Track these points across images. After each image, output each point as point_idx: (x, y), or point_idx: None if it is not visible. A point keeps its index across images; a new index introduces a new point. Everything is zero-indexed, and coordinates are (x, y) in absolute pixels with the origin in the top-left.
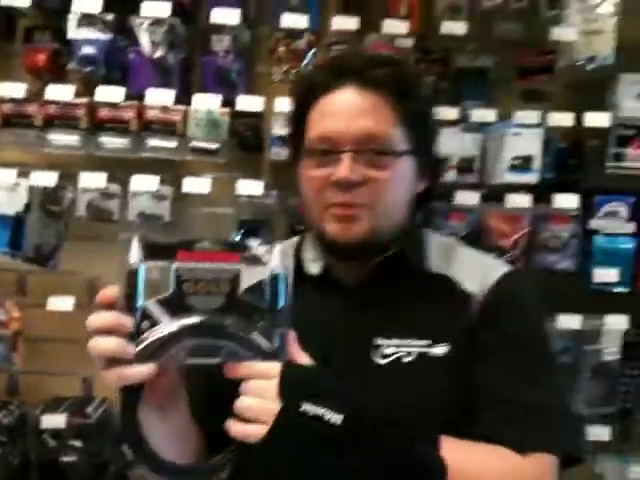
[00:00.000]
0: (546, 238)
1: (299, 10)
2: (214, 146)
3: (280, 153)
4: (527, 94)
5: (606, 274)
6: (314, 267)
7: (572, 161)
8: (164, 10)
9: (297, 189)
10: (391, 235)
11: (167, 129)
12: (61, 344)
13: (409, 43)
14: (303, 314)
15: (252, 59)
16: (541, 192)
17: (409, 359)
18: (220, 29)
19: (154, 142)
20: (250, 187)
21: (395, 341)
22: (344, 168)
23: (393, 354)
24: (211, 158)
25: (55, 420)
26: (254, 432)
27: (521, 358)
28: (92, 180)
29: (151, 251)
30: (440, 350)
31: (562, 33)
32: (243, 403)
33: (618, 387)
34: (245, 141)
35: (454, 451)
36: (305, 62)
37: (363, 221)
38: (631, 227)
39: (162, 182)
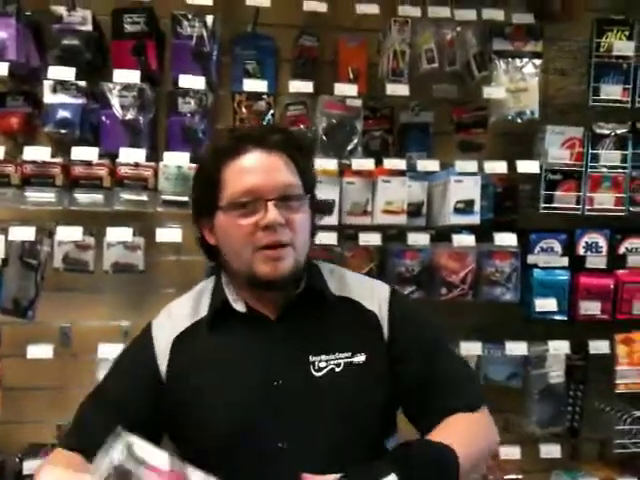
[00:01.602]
0: (490, 273)
1: (256, 76)
2: (184, 198)
3: None
4: (464, 145)
5: (545, 304)
6: (238, 306)
7: (508, 203)
8: (134, 76)
9: (204, 246)
10: (303, 268)
11: (139, 184)
12: (36, 392)
13: (358, 102)
14: (238, 345)
15: (216, 119)
16: (482, 232)
17: (339, 369)
18: (186, 92)
19: (127, 196)
20: None
21: (324, 356)
22: (272, 213)
23: (326, 367)
24: (181, 209)
25: (37, 465)
26: None
27: (437, 349)
28: (68, 233)
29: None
30: (359, 359)
31: (492, 92)
32: None
33: (565, 408)
34: None
35: (448, 439)
36: (266, 120)
37: (289, 258)
38: (565, 261)
39: (135, 233)
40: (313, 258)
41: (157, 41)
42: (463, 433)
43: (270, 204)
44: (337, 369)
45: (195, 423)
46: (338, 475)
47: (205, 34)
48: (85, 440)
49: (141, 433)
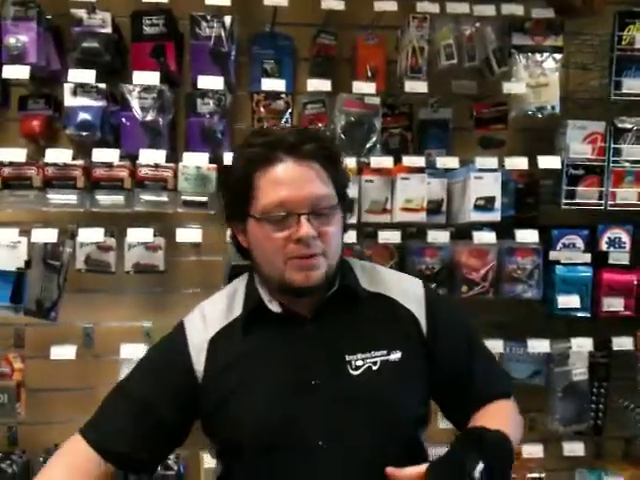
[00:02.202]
0: (512, 270)
1: (274, 76)
2: (204, 199)
3: None
4: (485, 141)
5: (568, 300)
6: (274, 306)
7: (529, 199)
8: (154, 78)
9: (237, 244)
10: (335, 272)
11: (159, 185)
12: (60, 393)
13: (377, 100)
14: (274, 345)
15: (234, 119)
16: (503, 229)
17: (376, 367)
18: (205, 93)
19: (147, 197)
20: None
21: (360, 355)
22: (304, 228)
23: (363, 365)
24: (201, 210)
25: None
26: None
27: (472, 341)
28: (89, 235)
29: None
30: (395, 356)
31: (512, 87)
32: None
33: (588, 405)
34: None
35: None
36: (284, 119)
37: (321, 267)
38: (587, 257)
39: (155, 234)
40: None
41: (176, 43)
42: (509, 421)
43: (303, 219)
44: (374, 367)
45: (233, 421)
46: (424, 466)
47: (223, 34)
48: (104, 438)
49: (164, 432)
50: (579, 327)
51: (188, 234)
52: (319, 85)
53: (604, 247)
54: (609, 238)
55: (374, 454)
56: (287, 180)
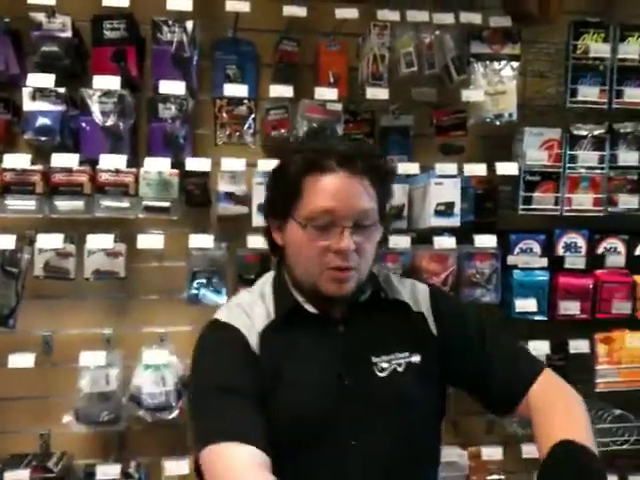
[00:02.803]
0: (471, 274)
1: (237, 81)
2: (166, 204)
3: (227, 208)
4: (445, 148)
5: (526, 304)
6: (310, 307)
7: (488, 205)
8: (114, 83)
9: (270, 240)
10: (364, 281)
11: (119, 190)
12: (16, 402)
13: (339, 106)
14: (310, 345)
15: (196, 124)
16: (463, 234)
17: (401, 369)
18: (166, 98)
19: (107, 203)
20: (201, 240)
21: (385, 357)
22: (346, 241)
23: (388, 367)
24: (163, 215)
25: (18, 476)
26: None
27: (485, 331)
28: (48, 241)
29: None
30: (416, 359)
31: (471, 94)
32: None
33: None
34: (194, 198)
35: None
36: (247, 125)
37: (353, 280)
38: (544, 261)
39: (116, 240)
40: None
41: (137, 47)
42: (580, 422)
43: (346, 231)
44: (399, 369)
45: (273, 415)
46: None
47: (185, 39)
48: (245, 430)
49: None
50: (537, 330)
51: (150, 240)
52: (282, 91)
53: (560, 252)
54: (565, 243)
55: (398, 455)
56: (336, 191)
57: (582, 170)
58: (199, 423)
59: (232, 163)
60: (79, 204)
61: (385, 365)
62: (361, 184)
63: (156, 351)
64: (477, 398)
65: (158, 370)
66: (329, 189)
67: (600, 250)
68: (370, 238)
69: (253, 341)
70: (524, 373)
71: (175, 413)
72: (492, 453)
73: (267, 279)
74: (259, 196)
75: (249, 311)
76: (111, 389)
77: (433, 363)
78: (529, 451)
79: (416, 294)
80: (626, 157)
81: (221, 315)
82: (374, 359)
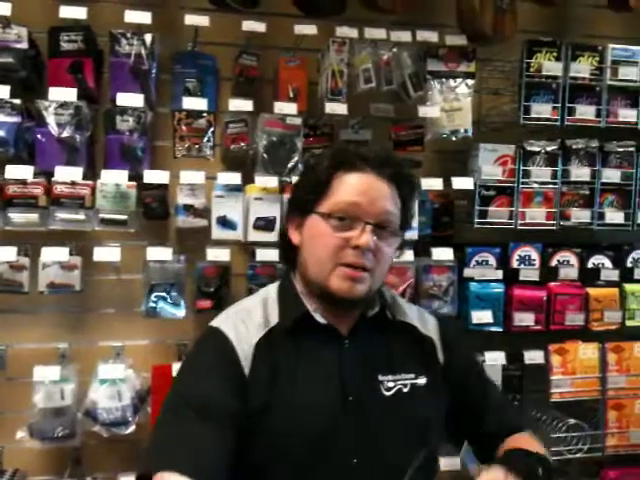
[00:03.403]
0: (428, 287)
1: (196, 94)
2: (123, 217)
3: (186, 221)
4: None
5: (482, 316)
6: (319, 317)
7: (445, 219)
8: (71, 95)
9: (285, 243)
10: (375, 294)
11: (75, 203)
12: None
13: (298, 121)
14: (314, 356)
15: (155, 136)
16: (421, 247)
17: (406, 390)
18: (124, 110)
19: (63, 215)
20: (159, 253)
21: (391, 377)
22: (367, 236)
23: (394, 387)
24: (120, 228)
25: None
26: None
27: (483, 372)
28: (1, 254)
29: None
30: (421, 381)
31: (428, 111)
32: None
33: None
34: (152, 211)
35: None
36: (206, 138)
37: (365, 282)
38: (500, 274)
39: (72, 253)
40: None
41: (95, 59)
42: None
43: (368, 227)
44: (404, 389)
45: (270, 432)
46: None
47: (144, 52)
48: (199, 462)
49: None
50: (493, 341)
51: (106, 253)
52: (241, 105)
53: (515, 264)
54: (519, 256)
55: (399, 474)
56: (364, 188)
57: (535, 185)
58: (159, 437)
59: (191, 176)
60: (34, 217)
61: (391, 384)
62: (389, 188)
63: (112, 365)
64: (461, 425)
65: (114, 384)
66: (357, 186)
67: (553, 263)
68: (389, 243)
69: (244, 354)
70: (514, 420)
71: (131, 428)
72: (449, 463)
73: (273, 286)
74: (218, 209)
75: (246, 319)
76: (66, 404)
77: (437, 388)
78: None
79: (425, 319)
80: (578, 172)
81: (217, 322)
82: (381, 377)
